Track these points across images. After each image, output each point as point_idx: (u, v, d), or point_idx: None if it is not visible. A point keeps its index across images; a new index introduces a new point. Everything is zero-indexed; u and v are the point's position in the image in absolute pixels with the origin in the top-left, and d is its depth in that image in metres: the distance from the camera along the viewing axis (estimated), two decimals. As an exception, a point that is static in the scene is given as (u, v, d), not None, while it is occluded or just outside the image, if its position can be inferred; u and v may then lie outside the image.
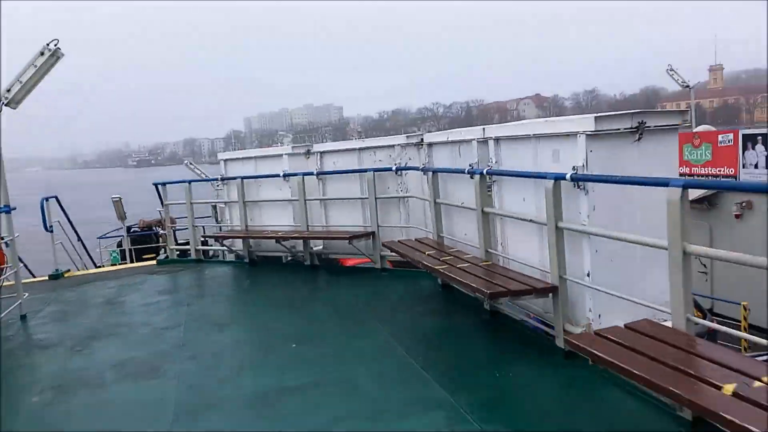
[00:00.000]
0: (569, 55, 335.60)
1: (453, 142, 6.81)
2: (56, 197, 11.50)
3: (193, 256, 10.75)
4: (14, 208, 7.83)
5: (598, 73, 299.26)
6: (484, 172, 5.82)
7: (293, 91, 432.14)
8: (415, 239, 7.48)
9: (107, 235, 17.96)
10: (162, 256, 11.84)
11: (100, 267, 14.78)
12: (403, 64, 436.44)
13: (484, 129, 6.05)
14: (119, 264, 15.29)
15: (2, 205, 7.66)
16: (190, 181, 11.03)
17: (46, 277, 10.14)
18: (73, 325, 7.10)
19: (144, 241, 16.99)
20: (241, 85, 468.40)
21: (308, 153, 9.92)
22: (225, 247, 11.01)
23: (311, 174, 9.30)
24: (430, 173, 7.16)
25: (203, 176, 17.82)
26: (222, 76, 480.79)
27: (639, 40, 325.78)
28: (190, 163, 20.61)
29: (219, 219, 13.92)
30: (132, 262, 15.27)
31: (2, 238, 7.69)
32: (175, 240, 12.16)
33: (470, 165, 6.10)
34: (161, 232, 14.45)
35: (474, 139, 6.14)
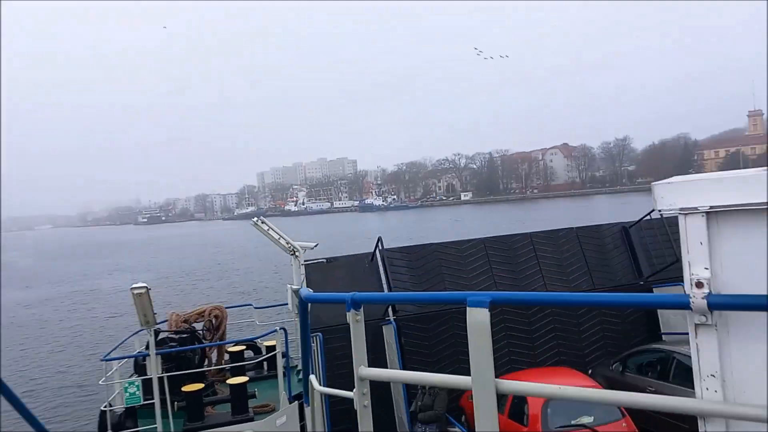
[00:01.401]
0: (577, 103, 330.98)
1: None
2: None
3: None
4: None
5: (619, 120, 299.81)
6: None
7: (305, 144, 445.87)
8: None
9: (115, 356, 10.40)
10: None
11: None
12: (419, 114, 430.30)
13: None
14: (140, 404, 9.48)
15: None
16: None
17: None
18: None
19: (181, 357, 10.43)
20: (253, 140, 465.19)
21: None
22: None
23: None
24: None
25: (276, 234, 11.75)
26: (229, 132, 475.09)
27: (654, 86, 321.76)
28: (262, 221, 12.21)
29: None
30: (164, 401, 9.28)
31: None
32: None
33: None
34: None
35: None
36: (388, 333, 11.90)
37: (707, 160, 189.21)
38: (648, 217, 14.00)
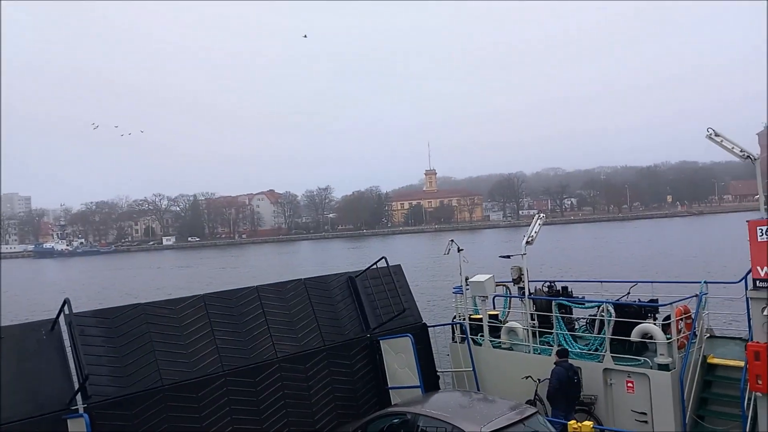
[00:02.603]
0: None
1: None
2: None
3: None
4: None
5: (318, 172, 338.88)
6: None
7: None
8: None
9: None
10: None
11: None
12: (111, 150, 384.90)
13: None
14: None
15: None
16: None
17: None
18: None
19: None
20: None
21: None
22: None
23: None
24: None
25: None
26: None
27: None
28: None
29: None
30: None
31: None
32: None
33: None
34: None
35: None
36: (77, 429, 9.11)
37: (395, 211, 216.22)
38: (374, 266, 14.02)
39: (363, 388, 12.95)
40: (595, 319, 12.73)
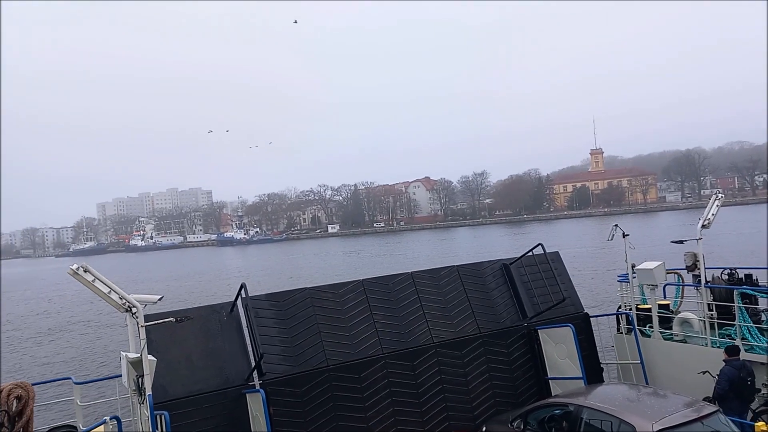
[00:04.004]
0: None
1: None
2: None
3: None
4: None
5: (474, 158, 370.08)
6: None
7: (153, 173, 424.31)
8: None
9: None
10: None
11: None
12: (285, 145, 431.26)
13: None
14: None
15: None
16: None
17: None
18: None
19: None
20: (93, 166, 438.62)
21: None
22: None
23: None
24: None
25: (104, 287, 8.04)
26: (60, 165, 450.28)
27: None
28: (84, 270, 7.80)
29: None
30: None
31: None
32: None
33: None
34: None
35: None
36: (255, 403, 10.20)
37: (558, 194, 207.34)
38: (530, 253, 13.81)
39: (522, 377, 12.87)
40: None
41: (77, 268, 7.51)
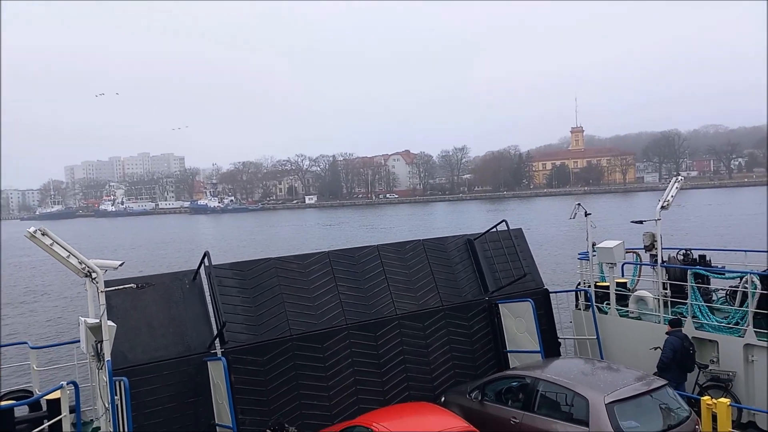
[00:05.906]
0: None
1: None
2: None
3: None
4: None
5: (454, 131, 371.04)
6: None
7: (124, 136, 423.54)
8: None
9: None
10: None
11: None
12: (262, 114, 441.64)
13: None
14: None
15: None
16: None
17: None
18: None
19: None
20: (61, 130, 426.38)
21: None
22: None
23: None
24: None
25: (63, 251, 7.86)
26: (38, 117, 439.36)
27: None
28: (42, 233, 7.53)
29: None
30: None
31: None
32: None
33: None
34: None
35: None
36: (216, 371, 10.43)
37: (537, 171, 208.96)
38: (494, 229, 14.19)
39: (481, 349, 13.35)
40: (737, 291, 12.01)
41: (34, 231, 7.54)
